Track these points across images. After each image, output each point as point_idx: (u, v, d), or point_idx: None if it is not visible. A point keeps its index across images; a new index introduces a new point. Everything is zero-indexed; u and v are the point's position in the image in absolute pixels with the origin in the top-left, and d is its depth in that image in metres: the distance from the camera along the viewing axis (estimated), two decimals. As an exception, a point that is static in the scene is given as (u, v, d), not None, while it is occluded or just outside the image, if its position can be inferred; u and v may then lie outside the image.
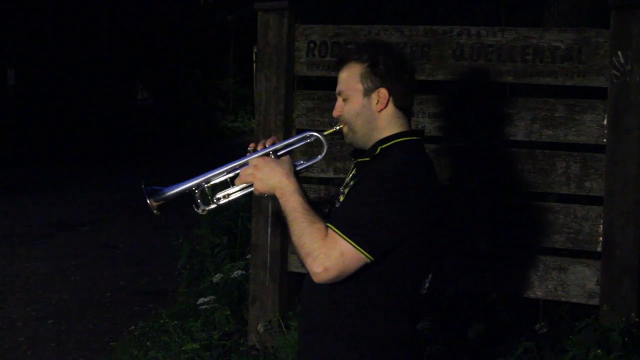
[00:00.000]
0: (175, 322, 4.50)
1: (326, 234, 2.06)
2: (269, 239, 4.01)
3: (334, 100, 3.84)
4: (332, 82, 4.04)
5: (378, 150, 2.19)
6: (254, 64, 21.36)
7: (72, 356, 4.91)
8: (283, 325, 3.94)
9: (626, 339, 3.23)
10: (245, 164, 2.25)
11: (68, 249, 7.70)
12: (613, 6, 3.45)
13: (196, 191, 2.28)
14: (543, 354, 3.53)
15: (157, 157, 15.61)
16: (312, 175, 4.07)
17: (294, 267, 4.04)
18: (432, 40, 3.73)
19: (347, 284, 2.10)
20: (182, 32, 19.96)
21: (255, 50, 17.67)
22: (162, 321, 4.81)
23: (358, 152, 2.30)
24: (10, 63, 15.24)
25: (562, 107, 3.56)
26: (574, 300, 3.59)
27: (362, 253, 2.04)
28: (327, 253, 2.04)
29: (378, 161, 2.17)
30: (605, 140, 3.48)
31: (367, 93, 2.21)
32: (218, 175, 2.29)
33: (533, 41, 3.59)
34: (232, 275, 4.71)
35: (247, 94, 22.49)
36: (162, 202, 2.28)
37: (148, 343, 4.65)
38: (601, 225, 3.49)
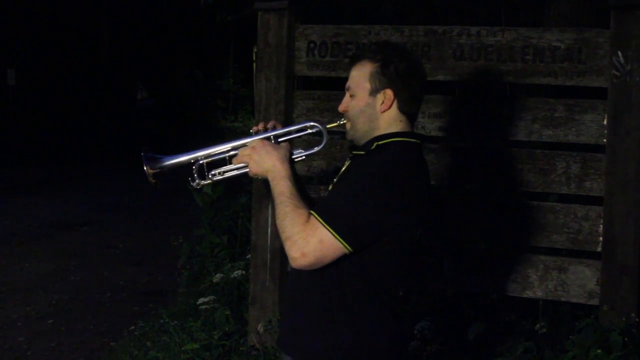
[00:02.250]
0: (175, 322, 4.50)
1: (308, 220, 2.09)
2: (269, 239, 4.01)
3: (333, 100, 3.89)
4: (332, 82, 4.05)
5: (374, 146, 2.22)
6: (254, 64, 21.36)
7: (72, 356, 4.91)
8: (283, 325, 3.94)
9: (626, 339, 3.23)
10: (245, 145, 2.29)
11: (68, 249, 7.71)
12: (613, 6, 3.45)
13: (194, 165, 2.33)
14: (543, 354, 3.53)
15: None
16: (312, 175, 4.06)
17: (294, 267, 4.04)
18: (432, 40, 3.73)
19: (330, 273, 2.13)
20: (182, 32, 19.96)
21: (255, 50, 17.67)
22: (162, 321, 4.81)
23: (356, 146, 2.33)
24: (10, 63, 15.24)
25: (562, 107, 3.56)
26: (574, 300, 3.59)
27: (341, 242, 2.07)
28: (306, 239, 2.07)
29: (372, 156, 2.20)
30: (605, 140, 3.48)
31: (374, 92, 2.23)
32: (217, 152, 2.33)
33: (533, 41, 3.58)
34: (232, 275, 4.71)
35: (247, 94, 22.49)
36: (158, 170, 2.31)
37: (148, 343, 4.65)
38: (601, 225, 3.49)
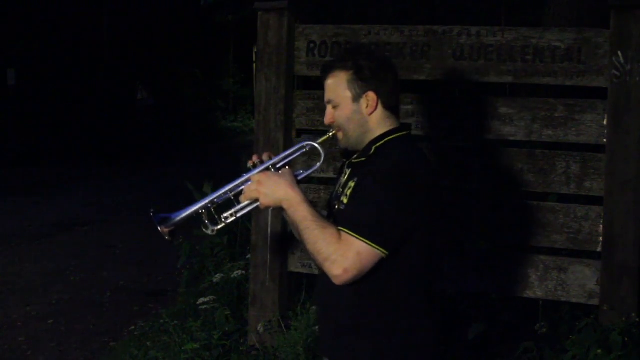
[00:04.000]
0: (175, 322, 4.50)
1: (340, 238, 2.12)
2: (269, 239, 4.01)
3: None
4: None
5: (373, 150, 2.27)
6: (254, 64, 21.38)
7: (72, 356, 4.91)
8: (283, 325, 3.94)
9: (626, 339, 3.23)
10: (248, 180, 2.29)
11: (68, 249, 7.71)
12: (613, 6, 3.45)
13: (203, 213, 2.33)
14: (543, 354, 3.53)
15: (157, 157, 15.63)
16: (312, 175, 4.05)
17: (293, 267, 4.04)
18: (432, 40, 3.73)
19: (364, 280, 2.15)
20: (182, 32, 19.96)
21: (255, 50, 17.68)
22: (162, 321, 4.81)
23: (350, 152, 2.36)
24: (10, 63, 15.25)
25: (562, 107, 3.56)
26: (574, 300, 3.58)
27: (377, 249, 2.10)
28: (344, 255, 2.10)
29: (374, 160, 2.24)
30: (605, 140, 3.48)
31: (356, 99, 2.28)
32: (222, 196, 2.34)
33: (533, 41, 3.58)
34: (232, 275, 4.71)
35: (247, 94, 22.52)
36: (172, 227, 2.32)
37: (148, 343, 4.65)
38: (601, 225, 3.49)
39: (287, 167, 2.33)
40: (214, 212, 2.34)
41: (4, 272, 6.77)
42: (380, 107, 2.28)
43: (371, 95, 2.26)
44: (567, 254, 3.64)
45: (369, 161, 2.25)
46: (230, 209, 2.32)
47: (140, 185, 12.27)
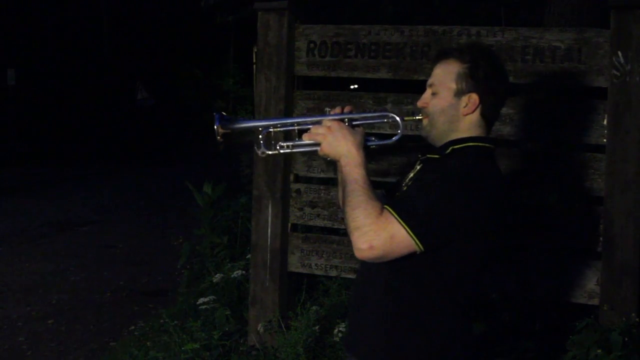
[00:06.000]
0: (175, 322, 4.50)
1: (381, 213, 2.03)
2: (269, 239, 4.01)
3: (334, 100, 3.89)
4: (332, 82, 4.04)
5: (449, 150, 2.18)
6: (254, 64, 21.39)
7: (72, 356, 4.92)
8: (283, 325, 3.94)
9: (626, 339, 3.23)
10: (319, 122, 2.22)
11: (68, 249, 7.71)
12: (613, 6, 3.45)
13: (261, 134, 2.28)
14: (543, 354, 3.53)
15: (157, 157, 15.63)
16: (312, 175, 4.06)
17: (294, 267, 4.04)
18: (432, 40, 3.73)
19: (404, 273, 2.10)
20: (182, 32, 19.97)
21: (255, 50, 17.69)
22: (162, 321, 4.81)
23: (426, 149, 2.29)
24: (10, 63, 15.25)
25: (562, 107, 3.56)
26: (574, 300, 3.58)
27: (414, 240, 2.00)
28: (377, 232, 2.00)
29: (447, 160, 2.16)
30: (605, 140, 3.48)
31: (459, 94, 2.18)
32: (287, 125, 2.29)
33: (533, 41, 3.58)
34: (232, 275, 4.71)
35: (247, 94, 22.54)
36: (228, 130, 2.26)
37: (148, 343, 4.65)
38: (601, 225, 3.49)
39: (361, 128, 2.24)
40: (272, 136, 2.28)
41: (4, 272, 6.78)
42: (477, 112, 2.18)
43: (474, 97, 2.16)
44: (567, 254, 3.64)
45: (441, 160, 2.17)
46: (290, 140, 2.27)
47: (140, 185, 12.28)
